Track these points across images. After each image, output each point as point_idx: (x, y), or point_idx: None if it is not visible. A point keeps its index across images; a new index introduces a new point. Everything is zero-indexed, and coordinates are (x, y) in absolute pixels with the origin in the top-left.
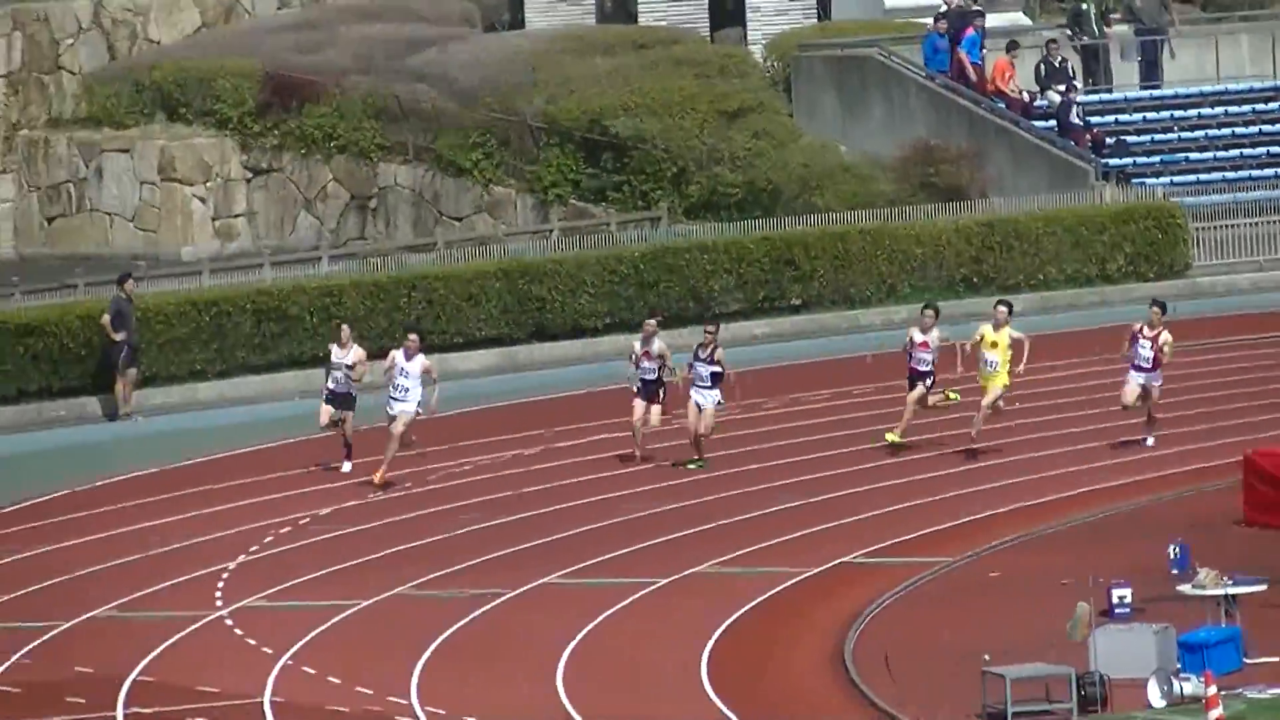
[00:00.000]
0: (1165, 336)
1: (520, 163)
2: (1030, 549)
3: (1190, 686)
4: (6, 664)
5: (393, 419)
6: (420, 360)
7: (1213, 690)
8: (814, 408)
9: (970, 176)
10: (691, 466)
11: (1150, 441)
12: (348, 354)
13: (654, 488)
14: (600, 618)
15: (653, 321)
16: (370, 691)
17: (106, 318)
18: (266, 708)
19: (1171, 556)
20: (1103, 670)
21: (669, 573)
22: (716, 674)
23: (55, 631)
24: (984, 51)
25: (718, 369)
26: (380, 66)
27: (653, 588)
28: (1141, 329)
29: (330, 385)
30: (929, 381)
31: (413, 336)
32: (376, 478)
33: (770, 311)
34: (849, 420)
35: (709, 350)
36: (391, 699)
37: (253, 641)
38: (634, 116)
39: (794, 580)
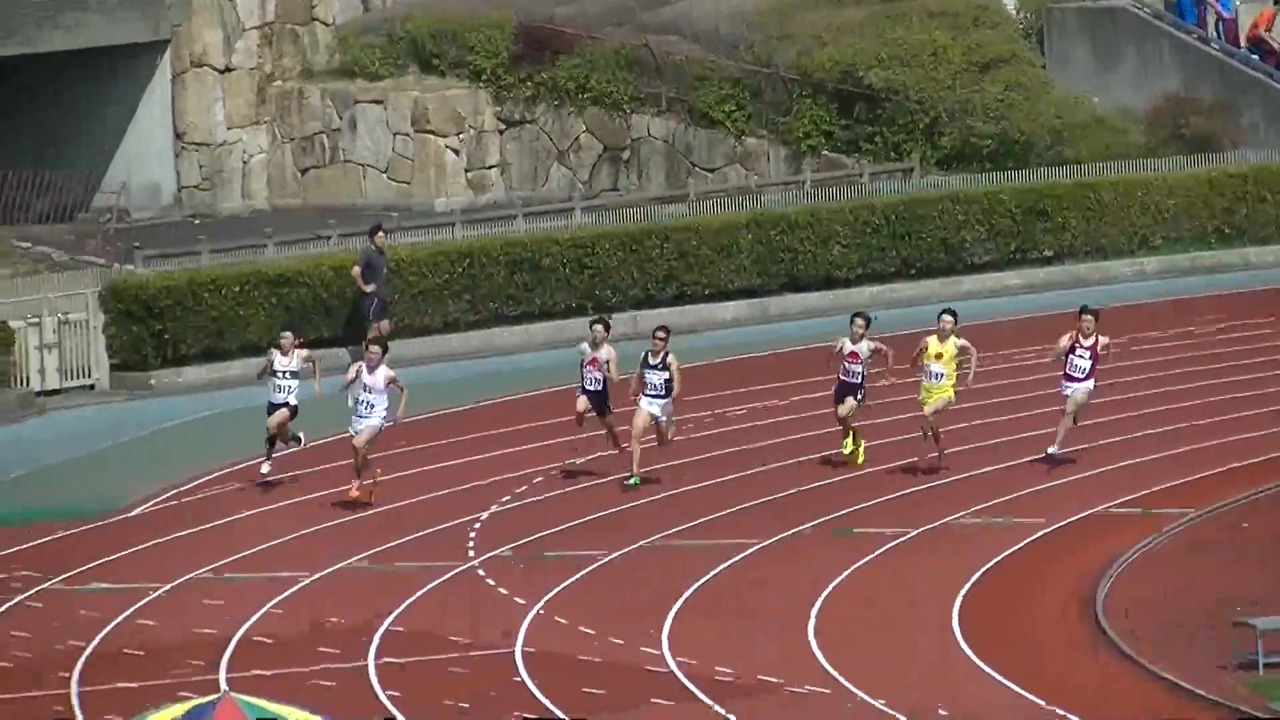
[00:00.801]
0: (1104, 340)
1: (773, 114)
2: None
3: None
4: (258, 614)
5: (356, 434)
6: (384, 372)
7: None
8: None
9: (1222, 128)
10: (630, 483)
11: (1054, 450)
12: (291, 360)
13: (904, 438)
14: (851, 569)
15: (600, 328)
16: (621, 642)
17: (357, 269)
18: (518, 658)
19: None
20: None
21: (920, 524)
22: (967, 623)
23: (306, 582)
24: (1237, 3)
25: (668, 375)
26: (633, 18)
27: (904, 539)
28: (1076, 339)
29: (272, 395)
30: (859, 395)
31: (374, 349)
32: (353, 493)
33: (1022, 263)
34: (1104, 371)
35: (659, 357)
36: (644, 650)
37: (504, 591)
38: (887, 68)
39: (1045, 531)
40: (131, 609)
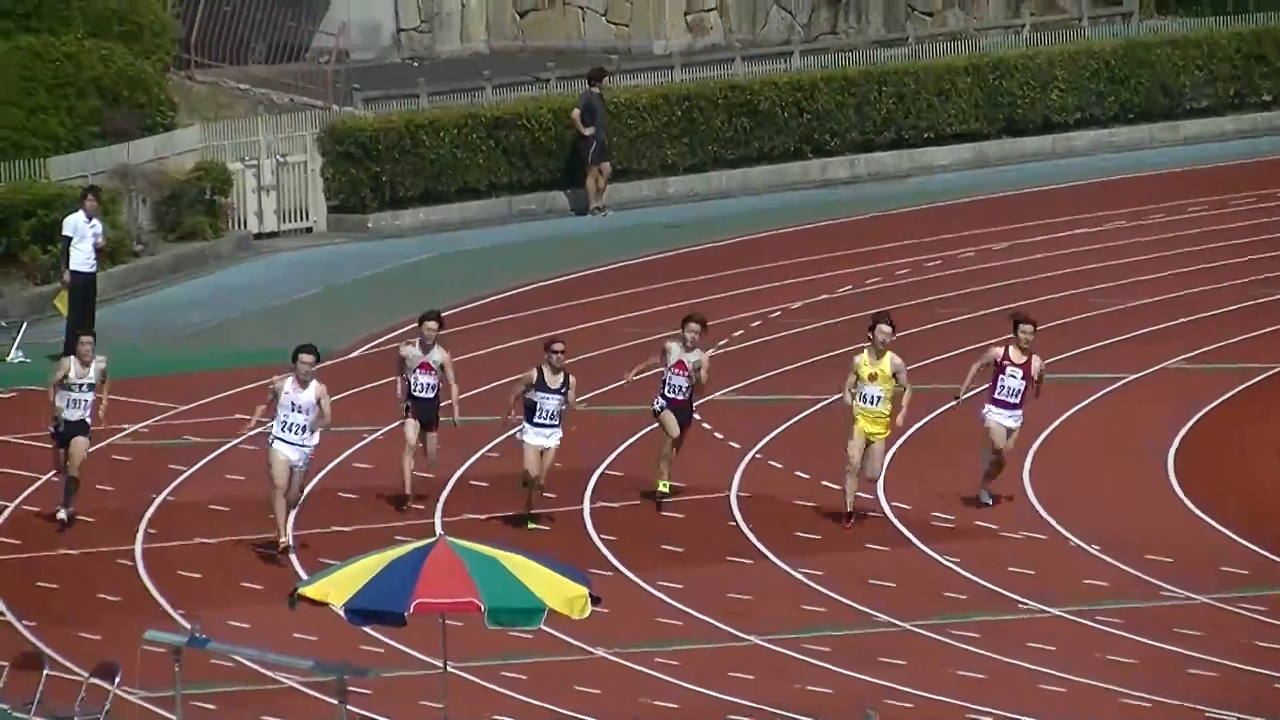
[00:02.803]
0: (1038, 364)
1: None
2: None
3: None
4: (474, 458)
5: (280, 470)
6: (315, 388)
7: None
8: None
9: None
10: (531, 527)
11: (987, 500)
12: (89, 371)
13: (1123, 283)
14: (1068, 412)
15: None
16: (835, 486)
17: (576, 112)
18: (733, 501)
19: None
20: None
21: (1137, 369)
22: (1183, 471)
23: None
24: None
25: (563, 396)
26: None
27: (1120, 383)
28: (1007, 355)
29: (65, 414)
30: (687, 417)
31: (306, 357)
32: (281, 543)
33: (1240, 107)
34: None
35: (560, 379)
36: (859, 494)
37: (720, 435)
38: None
39: (1263, 376)
40: (349, 451)
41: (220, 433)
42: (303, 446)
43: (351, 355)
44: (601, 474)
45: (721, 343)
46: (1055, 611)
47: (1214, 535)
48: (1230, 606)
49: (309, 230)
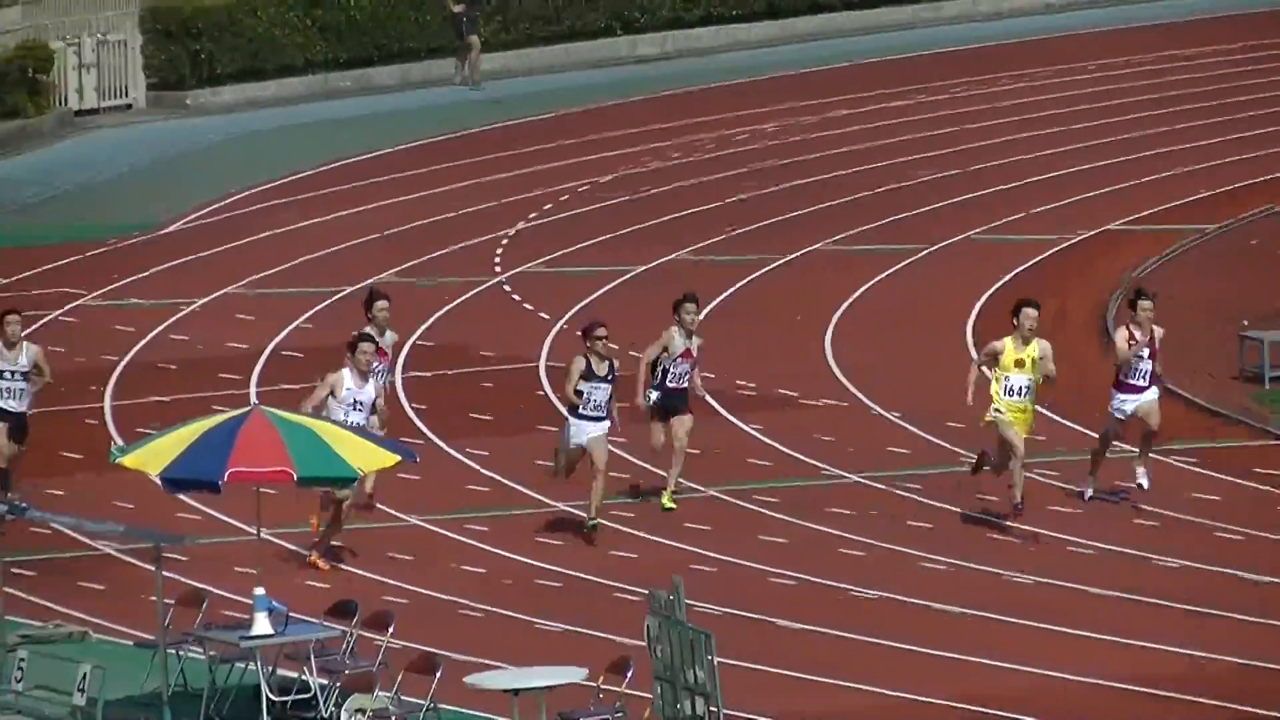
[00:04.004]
0: (1160, 333)
1: None
2: None
3: None
4: (287, 329)
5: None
6: (375, 384)
7: None
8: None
9: None
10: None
11: (1088, 494)
12: (21, 355)
13: (934, 154)
14: (869, 283)
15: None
16: (641, 355)
17: None
18: (542, 371)
19: None
20: None
21: (939, 239)
22: (982, 338)
23: (337, 297)
24: None
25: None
26: None
27: (923, 253)
28: (1131, 336)
29: (2, 401)
30: (684, 406)
31: (366, 346)
32: (319, 563)
33: None
34: (1130, 89)
35: (606, 365)
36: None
37: (530, 306)
38: None
39: (1061, 246)
40: (166, 324)
41: (49, 305)
42: None
43: (167, 230)
44: (413, 345)
45: (531, 215)
46: (855, 478)
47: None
48: (1028, 473)
49: (129, 107)
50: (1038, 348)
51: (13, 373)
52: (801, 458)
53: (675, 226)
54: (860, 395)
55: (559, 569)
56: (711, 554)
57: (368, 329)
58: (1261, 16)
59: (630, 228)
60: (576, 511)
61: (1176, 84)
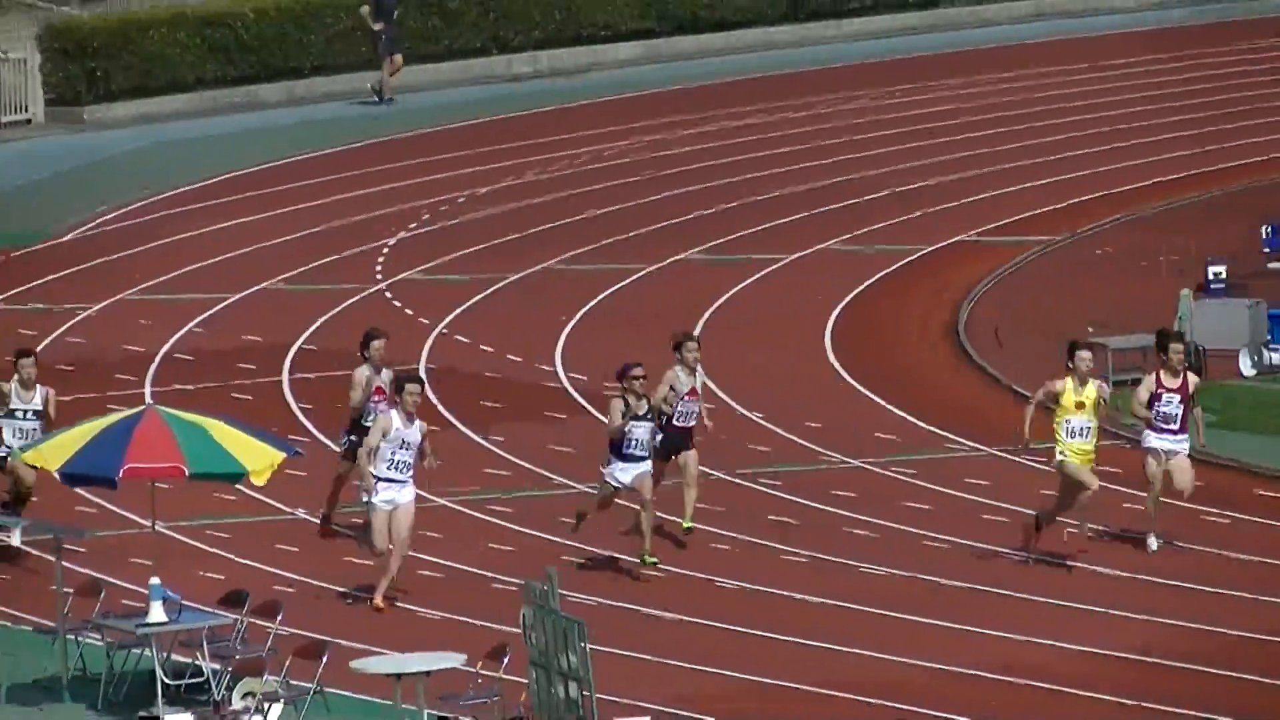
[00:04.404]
0: (1195, 382)
1: None
2: (1136, 228)
3: (1279, 357)
4: (180, 333)
5: (387, 513)
6: (420, 424)
7: None
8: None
9: None
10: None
11: (1154, 545)
12: (35, 396)
13: (783, 170)
14: (730, 291)
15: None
16: (518, 358)
17: (366, 9)
18: (422, 373)
19: (1265, 236)
20: (1199, 341)
21: (796, 250)
22: (839, 341)
23: (225, 304)
24: None
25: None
26: None
27: (780, 263)
28: (1159, 382)
29: (15, 439)
30: (689, 443)
31: (413, 387)
32: (379, 603)
33: (903, 7)
34: (980, 106)
35: (645, 404)
36: (537, 365)
37: (410, 312)
38: None
39: (914, 257)
40: (64, 327)
41: None
42: (410, 483)
43: (65, 239)
44: (299, 347)
45: (411, 225)
46: (719, 475)
47: (867, 404)
48: (882, 470)
49: (28, 122)
50: (1095, 389)
51: (26, 412)
52: None
53: (547, 236)
54: (724, 396)
55: (440, 561)
56: (584, 547)
57: (364, 368)
58: (1108, 39)
59: (505, 237)
60: (457, 507)
61: (1024, 103)
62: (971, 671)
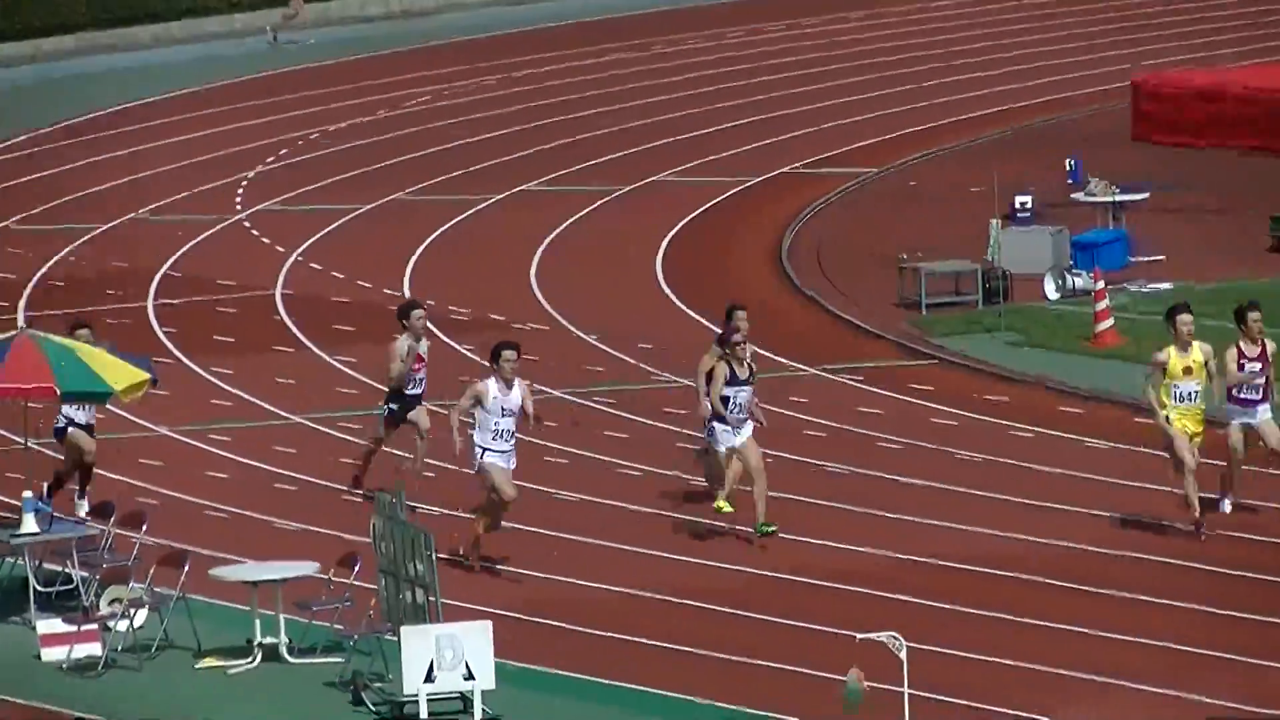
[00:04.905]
0: (1273, 347)
1: None
2: (945, 162)
3: (1081, 281)
4: (54, 260)
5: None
6: (520, 387)
7: (1100, 284)
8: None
9: None
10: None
11: (1226, 507)
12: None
13: (619, 107)
14: (570, 220)
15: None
16: (368, 284)
17: None
18: (278, 298)
19: (1068, 168)
20: (1005, 266)
21: (631, 181)
22: (669, 268)
23: (95, 233)
24: None
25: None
26: None
27: (616, 194)
28: (1240, 352)
29: (77, 415)
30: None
31: (509, 354)
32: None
33: None
34: (800, 48)
35: (747, 368)
36: (386, 290)
37: (267, 241)
38: None
39: (740, 188)
40: None
41: None
42: (512, 453)
43: None
44: (164, 274)
45: (269, 160)
46: (557, 393)
47: (696, 326)
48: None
49: None
50: (1200, 351)
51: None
52: None
53: (395, 170)
54: (561, 319)
55: (294, 474)
56: (432, 460)
57: (405, 337)
58: None
59: (356, 171)
60: (310, 424)
61: (848, 44)
62: (784, 575)
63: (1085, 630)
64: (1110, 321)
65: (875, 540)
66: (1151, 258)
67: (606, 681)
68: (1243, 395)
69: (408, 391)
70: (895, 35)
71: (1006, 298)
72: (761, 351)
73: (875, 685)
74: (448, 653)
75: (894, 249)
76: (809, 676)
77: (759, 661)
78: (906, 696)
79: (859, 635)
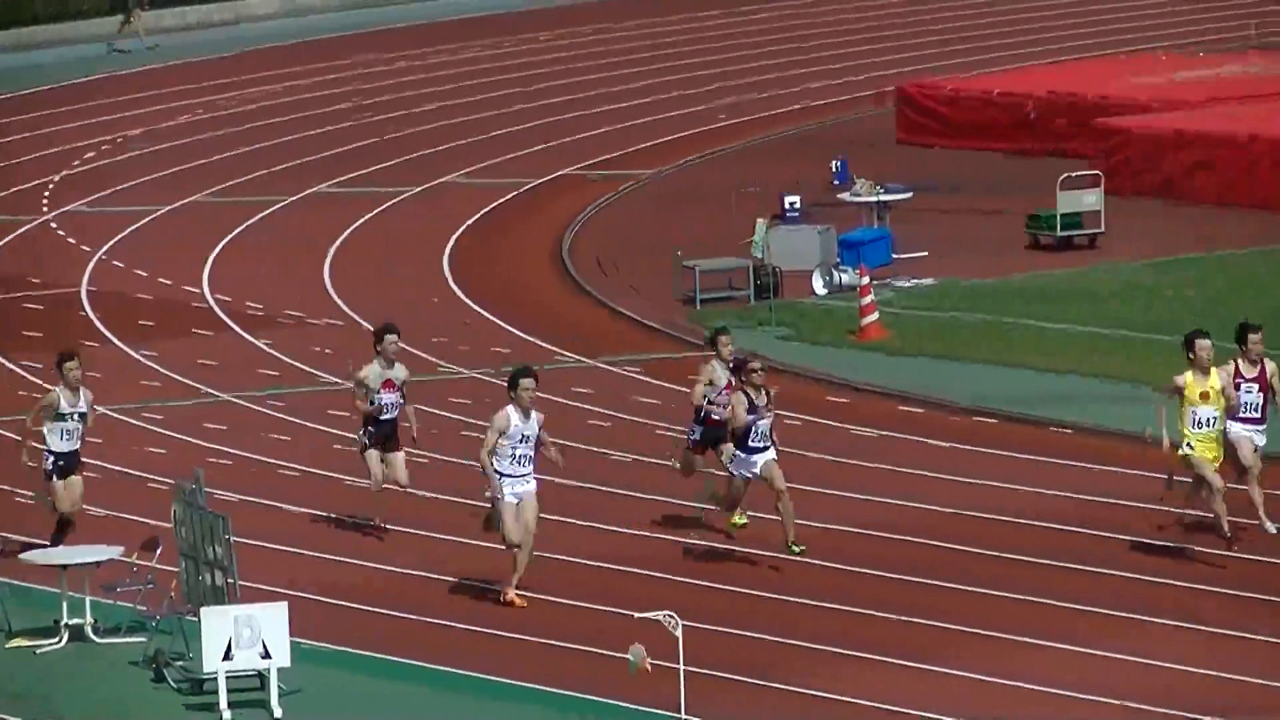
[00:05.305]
0: (1272, 368)
1: None
2: (718, 164)
3: (847, 277)
4: None
5: (515, 505)
6: (536, 415)
7: (865, 280)
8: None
9: None
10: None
11: (1272, 528)
12: (80, 398)
13: (409, 112)
14: (362, 219)
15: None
16: (169, 282)
17: None
18: (83, 295)
19: (834, 170)
20: (776, 264)
21: (420, 183)
22: (456, 266)
23: None
24: None
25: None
26: None
27: (406, 195)
28: (1238, 371)
29: (60, 446)
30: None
31: (527, 382)
32: (512, 597)
33: None
34: (574, 57)
35: (764, 396)
36: (186, 288)
37: (73, 240)
38: None
39: (524, 189)
40: None
41: None
42: (532, 475)
43: None
44: None
45: (75, 163)
46: (346, 384)
47: (483, 321)
48: (496, 381)
49: None
50: (1218, 377)
51: (74, 414)
52: (303, 367)
53: (196, 172)
54: (353, 314)
55: (101, 463)
56: (228, 449)
57: (376, 362)
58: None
59: (159, 173)
60: (115, 415)
61: (619, 52)
62: (585, 561)
63: (838, 606)
64: (875, 316)
65: (654, 526)
66: (914, 255)
67: (398, 659)
68: (1242, 414)
69: (382, 418)
70: (670, 44)
71: (777, 293)
72: (543, 345)
73: (656, 661)
74: (245, 632)
75: (670, 247)
76: (594, 654)
77: (553, 642)
78: (682, 672)
79: (637, 614)
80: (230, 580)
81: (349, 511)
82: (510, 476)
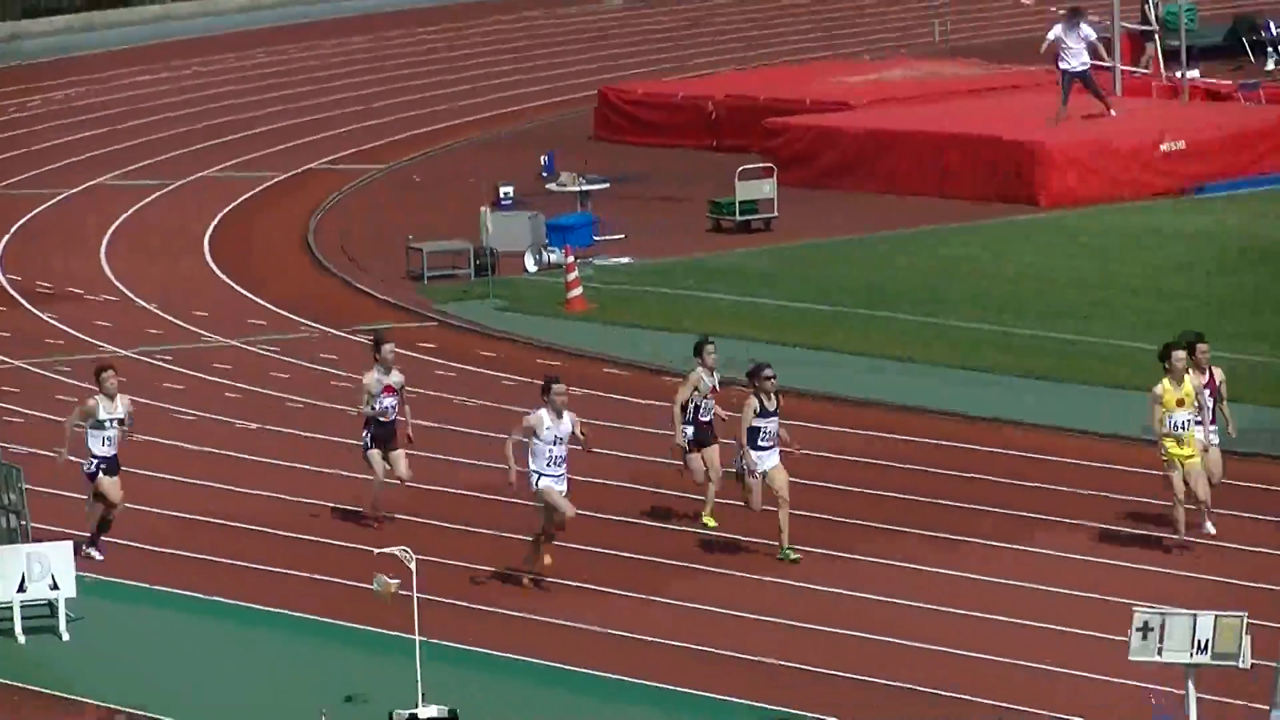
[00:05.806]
0: (1220, 375)
1: None
2: (442, 159)
3: (555, 256)
4: None
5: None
6: (569, 416)
7: (571, 259)
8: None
9: None
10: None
11: (1211, 529)
12: (118, 406)
13: (186, 113)
14: (134, 208)
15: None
16: (17, 277)
17: None
18: None
19: (543, 163)
20: (493, 245)
21: (183, 176)
22: (216, 249)
23: None
24: None
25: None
26: None
27: (171, 187)
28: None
29: (103, 450)
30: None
31: (559, 387)
32: (547, 562)
33: None
34: (323, 64)
35: (775, 400)
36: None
37: None
38: None
39: (273, 181)
40: None
41: None
42: (564, 476)
43: None
44: None
45: None
46: (126, 353)
47: (239, 297)
48: (251, 348)
49: None
50: (1190, 384)
51: (112, 421)
52: (86, 338)
53: None
54: (127, 291)
55: None
56: (18, 409)
57: (375, 369)
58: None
59: None
60: None
61: (362, 59)
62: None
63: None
64: (579, 290)
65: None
66: (612, 237)
67: (172, 590)
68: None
69: (383, 420)
70: (406, 54)
71: (495, 271)
72: (292, 317)
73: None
74: (36, 567)
75: (402, 232)
76: (346, 586)
77: (313, 575)
78: (416, 600)
79: (375, 550)
80: (24, 522)
81: (138, 466)
82: (547, 476)
